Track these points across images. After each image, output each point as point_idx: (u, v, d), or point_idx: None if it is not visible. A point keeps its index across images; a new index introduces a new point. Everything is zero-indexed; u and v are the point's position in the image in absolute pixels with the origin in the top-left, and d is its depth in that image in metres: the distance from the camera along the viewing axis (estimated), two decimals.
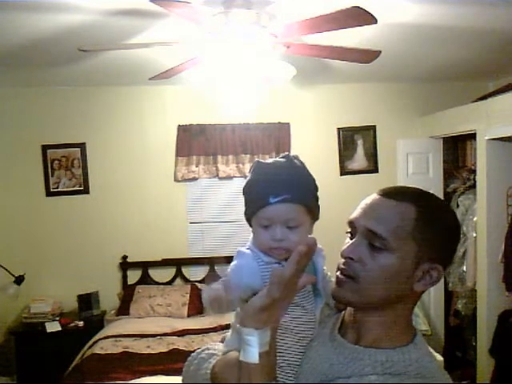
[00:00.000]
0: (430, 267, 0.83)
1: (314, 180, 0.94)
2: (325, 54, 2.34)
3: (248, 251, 0.92)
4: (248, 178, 0.94)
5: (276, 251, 0.89)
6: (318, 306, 0.94)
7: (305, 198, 0.90)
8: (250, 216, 0.93)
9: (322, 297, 0.95)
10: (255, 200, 0.90)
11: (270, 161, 0.94)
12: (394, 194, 0.86)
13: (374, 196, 0.88)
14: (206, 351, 0.97)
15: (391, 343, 0.84)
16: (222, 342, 0.98)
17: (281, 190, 0.87)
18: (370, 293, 0.83)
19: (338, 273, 0.87)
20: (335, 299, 0.90)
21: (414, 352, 0.83)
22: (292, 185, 0.88)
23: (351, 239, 0.87)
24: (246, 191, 0.93)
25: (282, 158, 0.93)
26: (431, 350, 0.89)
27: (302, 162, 0.94)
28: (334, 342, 0.89)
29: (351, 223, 0.89)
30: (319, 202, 0.95)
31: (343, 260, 0.86)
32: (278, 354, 0.86)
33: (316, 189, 0.94)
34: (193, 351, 1.01)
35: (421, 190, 0.89)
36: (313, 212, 0.92)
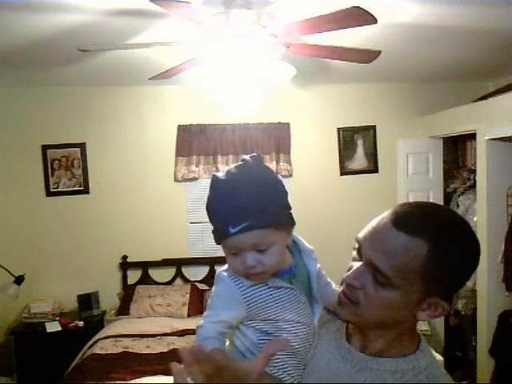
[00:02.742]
0: (437, 302, 0.79)
1: (278, 187, 0.86)
2: (325, 54, 2.34)
3: (226, 274, 0.86)
4: (207, 198, 0.85)
5: (252, 277, 0.84)
6: (315, 314, 0.91)
7: (268, 219, 0.81)
8: (217, 243, 0.86)
9: (318, 303, 0.92)
10: (216, 229, 0.84)
11: (225, 177, 0.83)
12: (407, 224, 0.77)
13: (386, 221, 0.79)
14: None
15: (399, 351, 0.83)
16: None
17: (239, 218, 0.79)
18: (368, 317, 0.82)
19: (341, 293, 0.85)
20: (337, 315, 0.89)
21: (422, 359, 0.83)
22: (250, 208, 0.79)
23: (358, 256, 0.83)
24: (208, 215, 0.85)
25: (240, 165, 0.84)
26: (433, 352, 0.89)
27: (262, 167, 0.85)
28: (340, 350, 0.88)
29: (358, 243, 0.83)
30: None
31: (345, 284, 0.84)
32: (278, 370, 0.85)
33: (283, 196, 0.86)
34: None
35: (440, 216, 0.80)
36: (283, 225, 0.85)
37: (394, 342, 0.84)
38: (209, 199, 0.84)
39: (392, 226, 0.77)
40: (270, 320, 0.85)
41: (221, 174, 0.84)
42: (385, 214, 0.81)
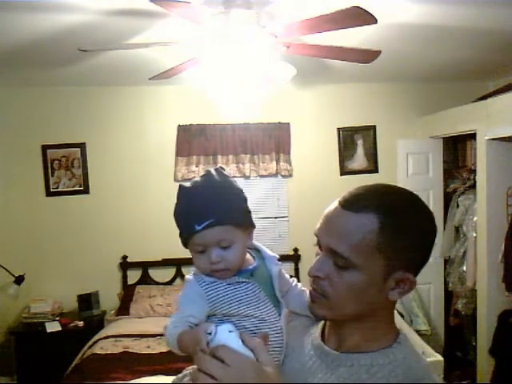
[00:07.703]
0: (403, 277, 0.79)
1: (238, 192, 0.93)
2: (325, 54, 2.34)
3: (191, 277, 0.93)
4: (174, 206, 0.93)
5: (217, 273, 0.90)
6: (281, 313, 0.92)
7: (230, 217, 0.89)
8: (184, 245, 0.93)
9: (282, 304, 0.93)
10: (182, 229, 0.91)
11: (190, 184, 0.93)
12: (354, 203, 0.80)
13: (335, 206, 0.83)
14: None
15: (374, 346, 0.81)
16: None
17: (203, 216, 0.87)
18: (342, 308, 0.81)
19: (311, 289, 0.86)
20: (312, 313, 0.88)
21: (398, 352, 0.80)
22: (213, 207, 0.88)
23: (320, 250, 0.85)
24: (175, 220, 0.92)
25: (203, 175, 0.93)
26: (421, 349, 0.87)
27: (223, 176, 0.92)
28: (316, 350, 0.87)
29: (316, 236, 0.85)
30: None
31: (311, 278, 0.84)
32: None
33: (242, 200, 0.94)
34: None
35: (387, 190, 0.83)
36: (243, 225, 0.92)
37: (369, 336, 0.82)
38: (176, 206, 0.92)
39: (341, 208, 0.81)
40: (230, 316, 0.88)
41: (186, 184, 0.93)
42: (334, 201, 0.84)
